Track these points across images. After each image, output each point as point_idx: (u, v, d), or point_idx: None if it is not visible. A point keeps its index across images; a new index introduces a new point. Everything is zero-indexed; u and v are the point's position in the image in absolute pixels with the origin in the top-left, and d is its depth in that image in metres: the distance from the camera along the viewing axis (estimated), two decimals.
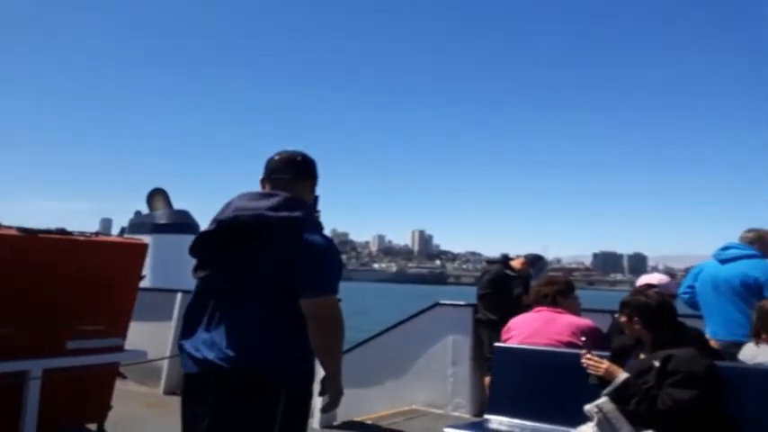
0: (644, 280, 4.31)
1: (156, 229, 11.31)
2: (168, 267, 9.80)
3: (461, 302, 6.16)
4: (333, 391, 2.33)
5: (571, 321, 3.95)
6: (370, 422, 5.50)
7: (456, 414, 5.63)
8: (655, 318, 3.20)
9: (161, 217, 11.83)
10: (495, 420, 3.73)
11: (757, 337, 3.47)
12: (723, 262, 4.36)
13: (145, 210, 13.93)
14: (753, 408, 3.05)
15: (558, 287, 4.20)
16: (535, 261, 5.71)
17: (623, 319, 3.30)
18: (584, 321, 4.01)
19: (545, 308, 4.11)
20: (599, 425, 3.01)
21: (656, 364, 3.01)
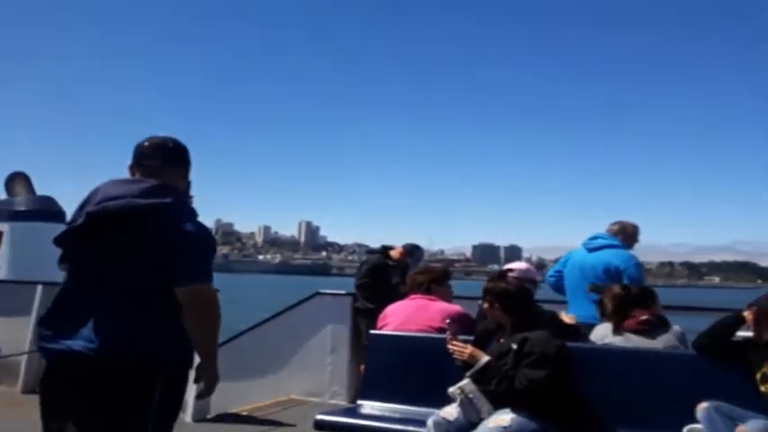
0: (507, 267, 4.56)
1: (15, 216, 10.38)
2: (28, 258, 9.10)
3: (341, 292, 6.25)
4: (209, 378, 2.35)
5: (443, 308, 4.11)
6: (245, 413, 5.45)
7: (333, 402, 5.70)
8: (514, 303, 3.42)
9: (20, 203, 10.86)
10: (367, 405, 3.82)
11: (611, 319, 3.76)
12: (590, 251, 4.76)
13: (3, 196, 12.81)
14: (601, 383, 3.35)
15: (432, 275, 4.37)
16: (413, 251, 5.87)
17: (485, 305, 3.49)
18: (455, 308, 4.18)
19: (419, 295, 4.26)
20: (461, 405, 3.18)
21: (514, 346, 3.20)
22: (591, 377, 3.37)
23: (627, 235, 4.87)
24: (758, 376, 2.99)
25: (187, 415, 5.10)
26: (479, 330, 3.64)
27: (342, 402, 5.66)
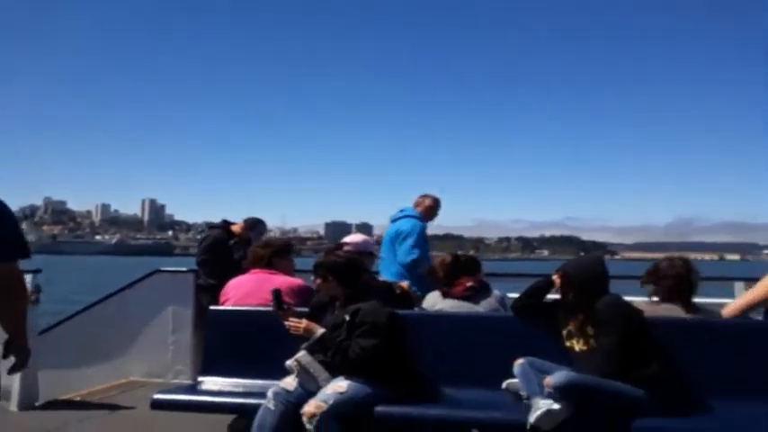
0: (343, 241, 4.71)
1: None
2: None
3: (182, 269, 6.07)
4: (21, 354, 2.38)
5: (284, 281, 4.11)
6: (78, 399, 5.17)
7: (176, 382, 5.57)
8: (345, 275, 3.54)
9: None
10: (207, 381, 3.79)
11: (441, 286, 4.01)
12: (393, 221, 5.42)
13: None
14: (432, 347, 3.59)
15: (273, 249, 4.35)
16: (255, 225, 5.79)
17: (318, 279, 3.59)
18: (296, 281, 4.22)
19: (260, 270, 4.24)
20: (299, 376, 3.27)
21: (347, 317, 3.34)
22: (423, 342, 3.60)
23: (424, 207, 5.52)
24: (564, 333, 3.36)
25: (11, 403, 4.75)
26: (314, 303, 3.73)
27: (186, 381, 5.54)
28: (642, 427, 2.96)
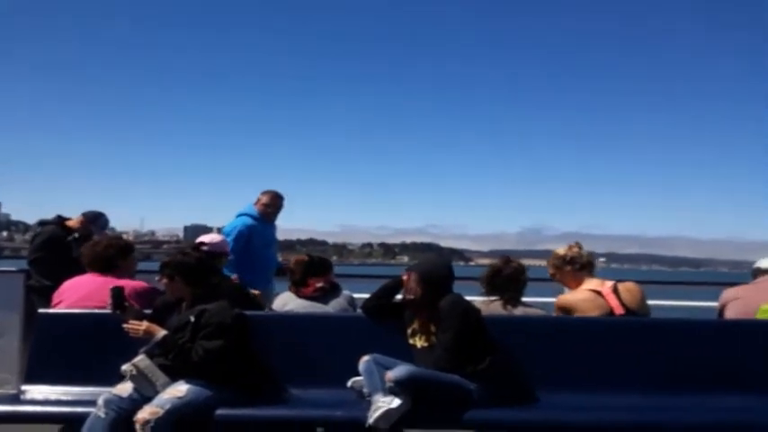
0: (200, 240, 4.49)
1: None
2: None
3: (11, 269, 5.57)
4: None
5: (127, 284, 3.88)
6: None
7: (2, 392, 5.08)
8: (192, 275, 3.43)
9: None
10: (32, 390, 3.52)
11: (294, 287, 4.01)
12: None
13: None
14: (282, 347, 3.59)
15: (114, 249, 4.10)
16: (96, 218, 5.41)
17: (165, 279, 3.46)
18: (140, 283, 4.02)
19: (100, 271, 4.00)
20: (134, 381, 3.12)
21: (192, 318, 3.25)
22: (272, 342, 3.59)
23: (262, 203, 5.51)
24: (409, 331, 3.49)
25: None
26: (157, 305, 3.59)
27: (11, 392, 5.07)
28: (473, 418, 3.15)
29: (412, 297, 3.47)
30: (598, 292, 3.76)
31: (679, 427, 3.41)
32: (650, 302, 3.98)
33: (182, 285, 3.43)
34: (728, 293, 4.16)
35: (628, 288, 3.80)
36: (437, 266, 3.54)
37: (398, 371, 3.09)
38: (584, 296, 3.78)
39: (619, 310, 3.70)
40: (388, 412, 3.02)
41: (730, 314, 4.02)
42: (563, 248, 3.99)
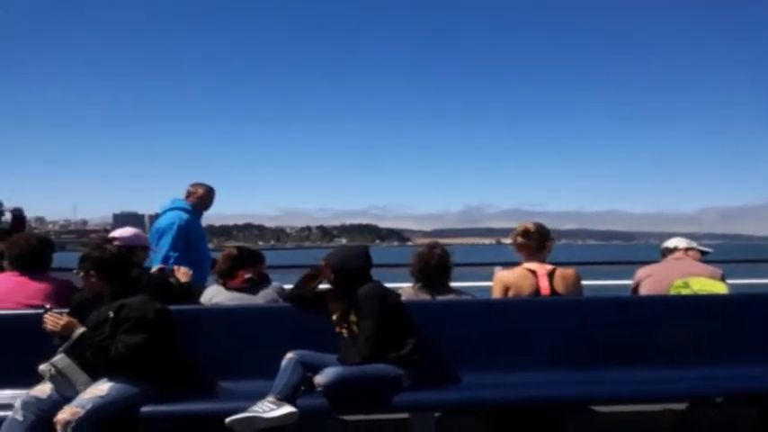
0: (112, 236, 4.32)
1: None
2: None
3: None
4: None
5: (45, 284, 3.81)
6: None
7: None
8: (111, 270, 3.34)
9: None
10: None
11: (222, 279, 3.96)
12: (163, 213, 5.14)
13: None
14: (208, 340, 3.55)
15: (34, 246, 3.92)
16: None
17: (81, 273, 3.36)
18: (60, 281, 3.90)
19: (18, 270, 3.84)
20: (53, 381, 3.03)
21: (111, 314, 3.16)
22: (199, 335, 3.55)
23: (196, 197, 5.26)
24: (334, 319, 3.50)
25: None
26: (75, 301, 3.48)
27: None
28: (403, 401, 3.22)
29: (328, 287, 3.50)
30: (534, 272, 3.89)
31: (598, 400, 3.60)
32: (584, 283, 4.13)
33: (98, 281, 3.34)
34: (642, 272, 4.41)
35: (564, 274, 3.93)
36: (350, 256, 3.55)
37: (326, 375, 3.11)
38: (519, 274, 3.93)
39: (545, 292, 3.83)
40: (254, 420, 2.98)
41: (644, 291, 4.26)
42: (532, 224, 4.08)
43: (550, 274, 3.88)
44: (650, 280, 4.26)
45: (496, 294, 3.96)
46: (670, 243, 4.54)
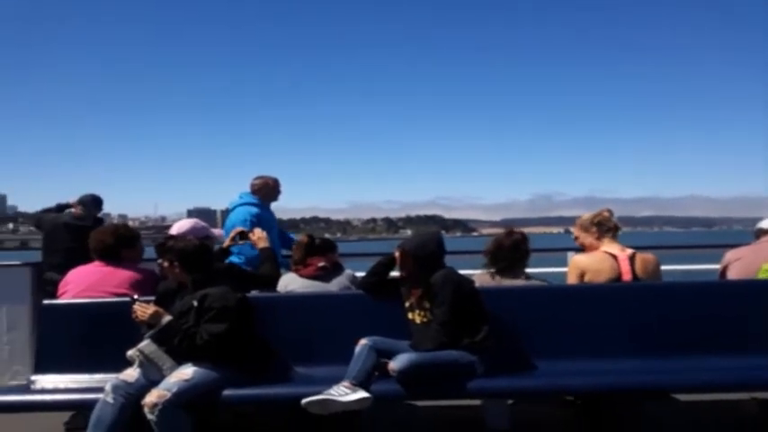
0: (171, 233, 4.33)
1: None
2: None
3: (15, 263, 5.61)
4: None
5: (131, 273, 3.95)
6: None
7: (15, 383, 5.15)
8: (192, 261, 3.46)
9: None
10: (42, 380, 3.57)
11: (296, 267, 4.05)
12: (232, 209, 5.25)
13: None
14: (283, 327, 3.63)
15: (119, 238, 4.07)
16: (90, 201, 5.37)
17: (165, 264, 3.49)
18: (143, 270, 4.05)
19: (105, 260, 4.01)
20: (141, 366, 3.17)
21: (195, 303, 3.28)
22: (275, 322, 3.63)
23: (263, 189, 5.36)
24: (407, 305, 3.52)
25: None
26: (160, 291, 3.62)
27: (23, 381, 5.16)
28: (477, 387, 3.21)
29: (404, 274, 3.50)
30: (614, 257, 3.78)
31: (681, 389, 3.46)
32: (663, 268, 4.00)
33: (181, 271, 3.46)
34: (730, 255, 4.16)
35: (644, 258, 3.82)
36: (425, 242, 3.55)
37: (400, 361, 3.12)
38: (599, 257, 3.82)
39: (627, 276, 3.72)
40: (329, 403, 3.02)
41: (732, 275, 4.03)
42: (590, 213, 4.00)
43: (631, 258, 3.77)
44: (739, 263, 4.02)
45: (572, 279, 3.87)
46: (765, 224, 4.22)
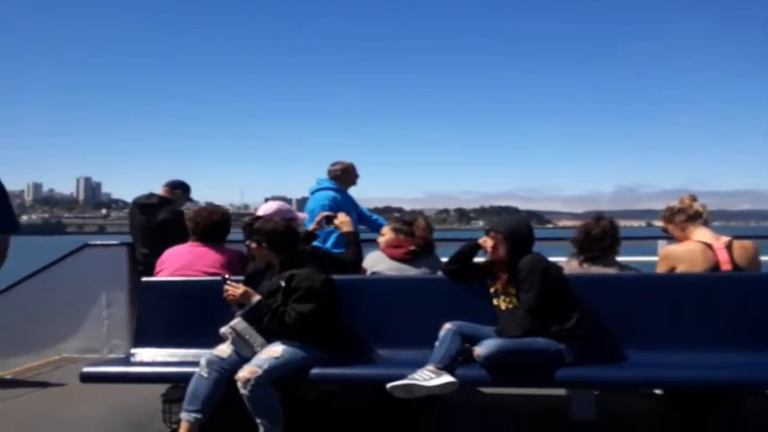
0: (257, 215, 4.47)
1: None
2: None
3: (113, 242, 5.95)
4: None
5: (222, 254, 4.11)
6: (9, 377, 5.02)
7: (113, 357, 5.48)
8: (281, 242, 3.54)
9: None
10: (141, 353, 3.76)
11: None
12: (311, 194, 5.43)
13: None
14: (368, 309, 3.68)
15: (214, 220, 4.22)
16: (179, 186, 5.62)
17: (254, 245, 3.57)
18: (233, 251, 4.20)
19: (198, 241, 4.18)
20: (233, 343, 3.28)
21: (282, 283, 3.36)
22: (359, 304, 3.68)
23: (341, 174, 5.50)
24: (491, 291, 3.48)
25: None
26: (249, 271, 3.73)
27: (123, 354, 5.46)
28: (564, 376, 3.14)
29: (495, 257, 3.45)
30: (709, 246, 3.59)
31: None
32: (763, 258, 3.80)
33: (269, 252, 3.54)
34: None
35: (743, 245, 3.62)
36: (520, 225, 3.50)
37: (486, 347, 3.09)
38: (692, 247, 3.63)
39: (726, 266, 3.52)
40: (414, 387, 3.01)
41: None
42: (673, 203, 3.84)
43: (728, 247, 3.57)
44: None
45: (661, 270, 3.71)
46: None
